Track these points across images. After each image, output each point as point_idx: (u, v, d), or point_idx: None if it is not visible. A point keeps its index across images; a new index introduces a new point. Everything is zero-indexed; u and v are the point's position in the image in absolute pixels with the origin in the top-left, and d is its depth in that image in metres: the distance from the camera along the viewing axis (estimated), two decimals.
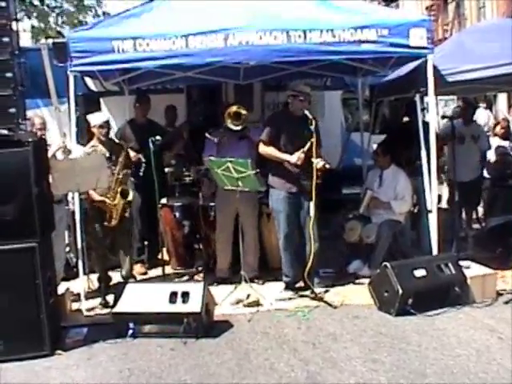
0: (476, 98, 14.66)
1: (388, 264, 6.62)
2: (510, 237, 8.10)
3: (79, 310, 6.90)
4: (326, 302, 6.96)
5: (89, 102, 9.62)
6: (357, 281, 7.63)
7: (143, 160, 8.19)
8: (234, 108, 7.68)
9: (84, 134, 8.16)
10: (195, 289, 6.27)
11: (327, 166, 7.06)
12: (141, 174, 8.28)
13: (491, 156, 9.91)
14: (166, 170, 9.30)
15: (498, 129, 10.74)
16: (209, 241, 8.23)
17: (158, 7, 7.21)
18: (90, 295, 7.30)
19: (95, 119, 7.63)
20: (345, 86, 11.70)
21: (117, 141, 8.03)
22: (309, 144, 6.93)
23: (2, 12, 5.71)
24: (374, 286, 6.83)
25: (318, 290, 7.19)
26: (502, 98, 23.54)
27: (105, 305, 7.07)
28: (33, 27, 25.65)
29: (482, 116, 14.44)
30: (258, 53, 6.82)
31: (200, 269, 8.42)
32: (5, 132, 5.81)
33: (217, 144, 7.74)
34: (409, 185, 8.06)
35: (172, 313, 6.11)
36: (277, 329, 6.34)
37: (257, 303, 6.95)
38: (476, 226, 9.97)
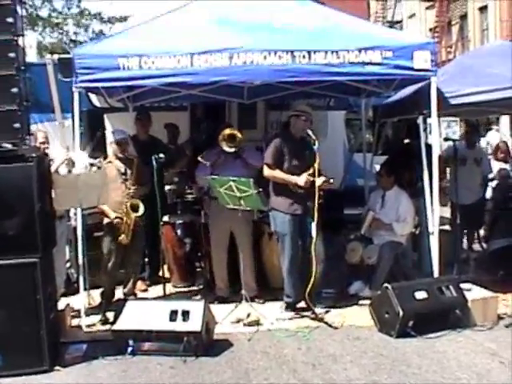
0: (489, 119, 14.73)
1: (389, 285, 6.61)
2: (511, 260, 8.09)
3: (79, 326, 6.88)
4: (326, 322, 6.94)
5: (93, 118, 9.64)
6: (358, 302, 7.61)
7: None
8: (228, 130, 7.67)
9: (97, 147, 8.21)
10: (196, 307, 6.25)
11: (331, 181, 7.07)
12: None
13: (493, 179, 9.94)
14: (168, 187, 9.32)
15: (498, 154, 10.77)
16: (210, 259, 8.21)
17: (163, 24, 7.27)
18: (90, 311, 7.28)
19: (114, 136, 7.70)
20: (348, 106, 11.72)
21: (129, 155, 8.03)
22: (315, 167, 6.94)
23: (9, 28, 5.74)
24: (375, 308, 6.81)
25: (318, 310, 7.17)
26: (505, 121, 23.58)
27: (105, 321, 7.04)
28: (40, 43, 25.77)
29: (494, 138, 14.48)
30: (262, 72, 6.86)
31: (201, 287, 8.41)
32: (9, 147, 5.83)
33: (211, 165, 7.76)
34: (411, 206, 8.06)
35: (172, 331, 6.08)
36: (277, 349, 6.32)
37: (257, 322, 6.93)
38: (478, 248, 9.96)
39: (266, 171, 7.27)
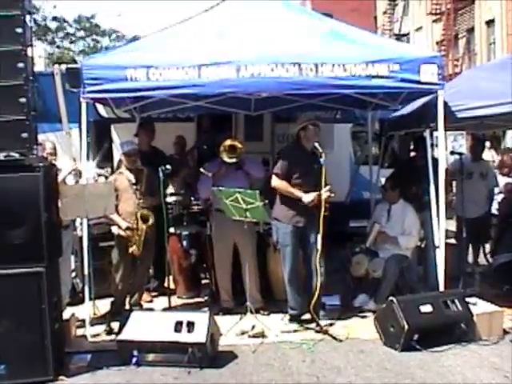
0: (484, 135, 14.75)
1: (394, 299, 6.59)
2: None
3: (84, 336, 6.88)
4: (331, 335, 6.92)
5: (100, 129, 9.68)
6: (362, 315, 7.61)
7: None
8: (228, 141, 7.68)
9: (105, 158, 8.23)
10: (200, 318, 6.24)
11: (332, 195, 7.08)
12: None
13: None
14: (175, 198, 9.32)
15: (503, 169, 10.77)
16: (215, 270, 8.21)
17: (171, 36, 7.31)
18: (95, 321, 7.27)
19: (124, 147, 7.74)
20: (355, 119, 11.73)
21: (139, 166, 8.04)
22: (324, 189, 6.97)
23: (18, 38, 5.77)
24: (380, 321, 6.80)
25: (323, 322, 7.16)
26: (511, 135, 23.58)
27: (109, 331, 7.03)
28: (50, 54, 25.93)
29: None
30: (269, 85, 6.88)
31: (206, 298, 8.42)
32: (16, 156, 5.85)
33: (212, 176, 7.77)
34: (417, 220, 8.06)
35: (177, 342, 6.07)
36: (281, 361, 6.31)
37: (262, 334, 6.92)
38: (483, 262, 9.94)
39: (275, 181, 7.29)
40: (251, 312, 7.27)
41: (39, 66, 12.77)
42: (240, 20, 7.46)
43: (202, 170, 7.92)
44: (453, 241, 9.46)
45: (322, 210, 6.91)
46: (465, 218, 8.24)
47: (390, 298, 6.70)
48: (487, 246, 10.14)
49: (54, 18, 28.65)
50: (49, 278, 5.80)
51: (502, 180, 10.18)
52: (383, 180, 8.96)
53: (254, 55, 6.82)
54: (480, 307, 6.98)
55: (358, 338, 6.88)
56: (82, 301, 7.24)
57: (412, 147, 9.84)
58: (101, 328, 7.13)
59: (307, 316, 7.27)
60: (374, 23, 46.97)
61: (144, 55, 6.93)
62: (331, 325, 7.22)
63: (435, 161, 7.46)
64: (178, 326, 6.16)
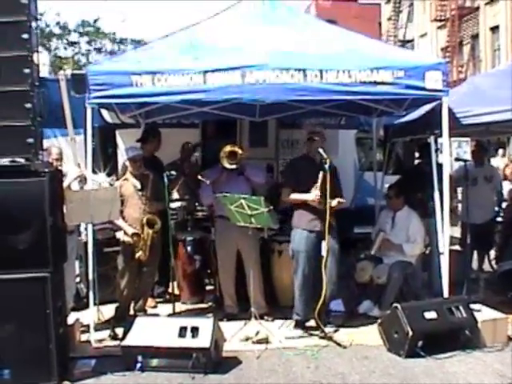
0: (499, 139, 14.77)
1: (398, 305, 6.59)
2: None
3: (88, 341, 6.89)
4: (335, 341, 6.92)
5: (104, 134, 9.68)
6: (367, 321, 7.59)
7: None
8: (228, 147, 7.66)
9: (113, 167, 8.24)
10: (205, 324, 6.25)
11: (341, 200, 7.11)
12: None
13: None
14: (179, 204, 9.32)
15: (508, 172, 10.76)
16: (219, 276, 8.20)
17: (176, 42, 7.33)
18: (100, 326, 7.27)
19: (129, 152, 7.77)
20: (359, 125, 11.70)
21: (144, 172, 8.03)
22: (321, 177, 6.96)
23: (24, 44, 5.79)
24: (384, 327, 6.80)
25: (327, 329, 7.15)
26: None
27: (114, 337, 7.05)
28: (55, 60, 25.99)
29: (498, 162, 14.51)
30: (274, 91, 6.87)
31: (210, 304, 8.42)
32: (22, 161, 5.87)
33: (213, 182, 7.78)
34: (421, 227, 8.05)
35: (181, 347, 6.08)
36: (285, 367, 6.31)
37: (266, 340, 6.92)
38: (488, 269, 9.92)
39: (284, 196, 7.37)
40: (255, 318, 7.27)
41: (43, 74, 12.75)
42: (245, 26, 7.47)
43: (199, 177, 7.91)
44: (458, 247, 9.45)
45: (328, 216, 6.92)
46: (470, 224, 8.23)
47: (395, 304, 6.69)
48: (492, 253, 10.13)
49: (57, 24, 28.72)
50: (53, 283, 5.81)
51: (507, 187, 10.16)
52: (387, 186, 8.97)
53: (258, 61, 6.82)
54: (484, 314, 6.97)
55: (363, 345, 6.87)
56: (86, 306, 7.27)
57: (417, 154, 9.83)
58: (105, 333, 7.15)
59: (311, 322, 7.27)
60: (379, 29, 46.98)
61: (149, 61, 6.94)
62: (335, 331, 7.21)
63: (440, 167, 7.46)
64: (182, 332, 6.17)
